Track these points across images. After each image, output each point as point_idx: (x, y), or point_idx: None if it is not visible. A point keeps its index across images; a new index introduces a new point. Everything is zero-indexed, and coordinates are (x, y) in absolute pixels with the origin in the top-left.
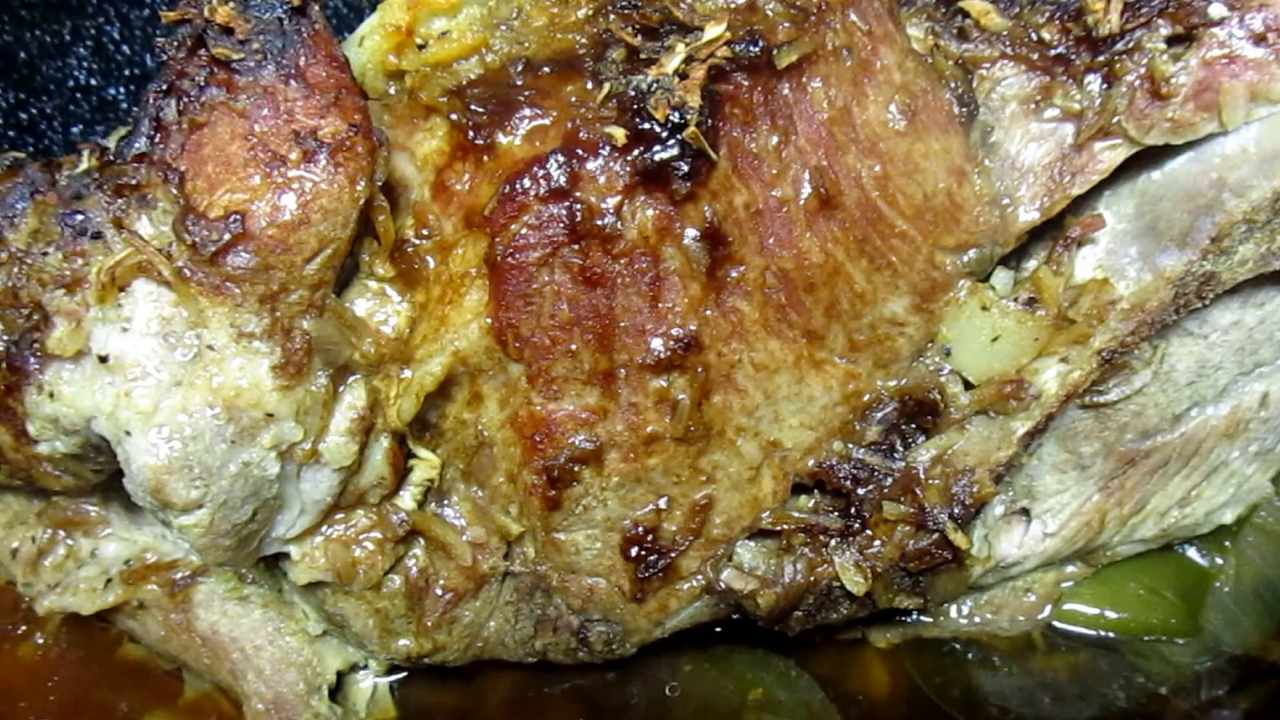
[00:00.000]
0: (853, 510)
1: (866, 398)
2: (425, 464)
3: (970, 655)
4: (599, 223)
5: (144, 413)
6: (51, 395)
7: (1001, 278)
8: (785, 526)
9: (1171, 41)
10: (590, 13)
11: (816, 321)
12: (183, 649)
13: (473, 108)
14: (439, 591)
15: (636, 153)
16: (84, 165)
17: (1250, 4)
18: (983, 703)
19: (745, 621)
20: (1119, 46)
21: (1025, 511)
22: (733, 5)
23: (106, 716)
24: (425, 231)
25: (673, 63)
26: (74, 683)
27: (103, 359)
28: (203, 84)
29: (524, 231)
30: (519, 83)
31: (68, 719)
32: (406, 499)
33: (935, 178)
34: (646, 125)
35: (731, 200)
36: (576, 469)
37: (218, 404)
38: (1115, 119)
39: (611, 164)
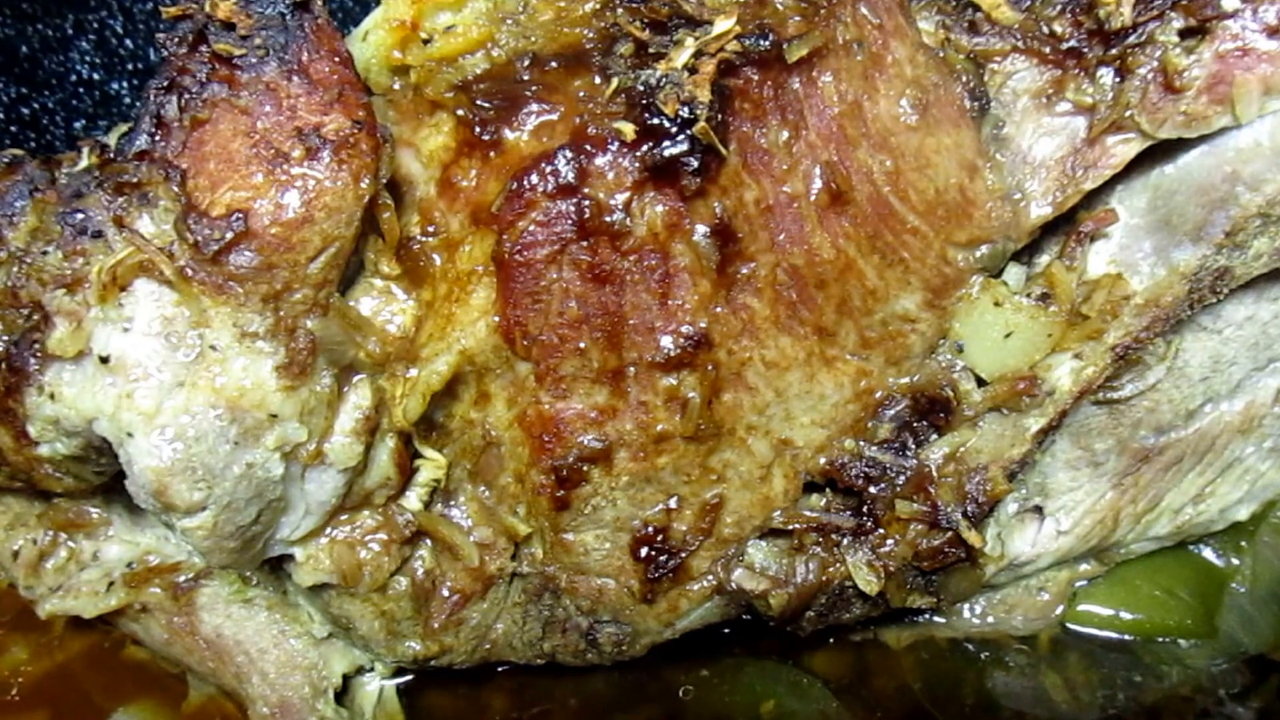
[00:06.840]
0: (865, 509)
1: (878, 395)
2: (431, 464)
3: (983, 655)
4: (608, 219)
5: (146, 414)
6: (52, 396)
7: (1014, 273)
8: (797, 525)
9: (1184, 34)
10: (597, 6)
11: (828, 318)
12: (186, 652)
13: (479, 103)
14: (446, 593)
15: (645, 148)
16: (84, 163)
17: None
18: (996, 704)
19: (754, 623)
20: (1131, 39)
21: (1038, 509)
22: None
23: None
24: (431, 229)
25: (682, 57)
26: (76, 686)
27: (104, 359)
28: (204, 80)
29: (532, 228)
30: (526, 78)
31: None
32: (413, 500)
33: (947, 172)
34: (656, 120)
35: (742, 196)
36: (585, 468)
37: (221, 405)
38: (1128, 112)
39: (620, 160)
